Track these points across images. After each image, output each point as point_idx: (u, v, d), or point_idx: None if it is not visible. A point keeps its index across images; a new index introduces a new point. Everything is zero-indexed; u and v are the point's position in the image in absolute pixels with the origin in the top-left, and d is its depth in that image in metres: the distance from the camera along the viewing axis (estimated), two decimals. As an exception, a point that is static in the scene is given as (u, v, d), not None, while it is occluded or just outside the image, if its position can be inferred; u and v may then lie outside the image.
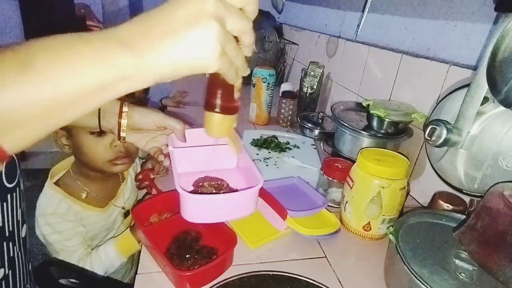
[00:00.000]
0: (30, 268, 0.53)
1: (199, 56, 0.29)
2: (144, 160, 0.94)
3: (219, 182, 0.56)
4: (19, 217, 0.48)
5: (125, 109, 0.55)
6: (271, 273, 0.50)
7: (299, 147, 1.01)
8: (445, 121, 0.58)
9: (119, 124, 0.55)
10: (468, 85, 0.56)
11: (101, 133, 0.69)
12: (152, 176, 0.75)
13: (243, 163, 0.59)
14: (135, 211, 0.60)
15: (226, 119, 0.41)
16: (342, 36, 1.24)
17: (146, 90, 1.20)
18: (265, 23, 1.77)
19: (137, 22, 0.29)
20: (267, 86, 1.14)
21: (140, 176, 0.74)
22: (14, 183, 0.46)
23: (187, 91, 1.40)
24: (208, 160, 0.58)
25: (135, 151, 0.79)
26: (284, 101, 1.17)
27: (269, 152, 0.96)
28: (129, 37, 0.27)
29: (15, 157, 0.46)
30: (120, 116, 0.55)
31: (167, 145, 0.59)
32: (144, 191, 0.79)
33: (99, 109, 0.55)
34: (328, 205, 0.72)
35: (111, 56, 0.26)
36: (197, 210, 0.48)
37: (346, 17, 1.25)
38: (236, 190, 0.54)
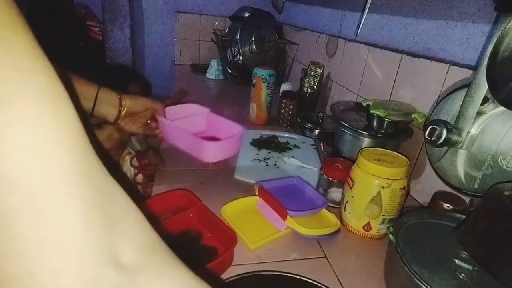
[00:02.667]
0: None
1: None
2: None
3: None
4: None
5: (123, 102, 0.68)
6: (271, 273, 0.50)
7: (299, 147, 1.01)
8: (445, 121, 0.58)
9: (119, 112, 0.68)
10: (468, 85, 0.56)
11: (99, 125, 0.80)
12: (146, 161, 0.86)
13: (212, 122, 0.86)
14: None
15: None
16: (342, 36, 1.24)
17: (146, 90, 1.22)
18: (265, 23, 1.77)
19: None
20: (267, 86, 1.14)
21: (137, 164, 0.84)
22: None
23: (187, 91, 1.40)
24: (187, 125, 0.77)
25: (127, 140, 0.90)
26: (284, 101, 1.17)
27: (269, 152, 0.95)
28: None
29: None
30: (120, 105, 0.68)
31: (147, 122, 0.76)
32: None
33: (95, 97, 0.64)
34: (328, 205, 0.72)
35: None
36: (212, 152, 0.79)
37: (346, 17, 1.25)
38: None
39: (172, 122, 0.71)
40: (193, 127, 0.75)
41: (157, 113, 0.75)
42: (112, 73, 1.16)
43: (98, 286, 0.19)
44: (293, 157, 0.92)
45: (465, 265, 0.48)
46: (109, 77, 1.10)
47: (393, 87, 0.91)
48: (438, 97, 0.73)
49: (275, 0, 1.93)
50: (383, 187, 0.59)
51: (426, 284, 0.43)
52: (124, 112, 0.68)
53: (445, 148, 0.61)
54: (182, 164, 0.83)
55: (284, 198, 0.65)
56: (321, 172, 0.74)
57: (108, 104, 0.66)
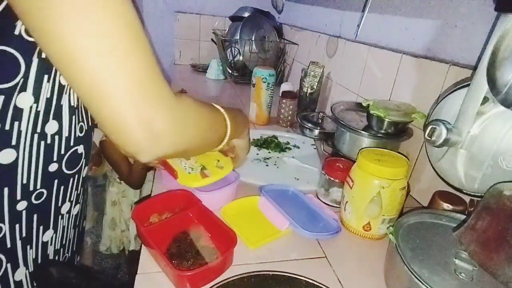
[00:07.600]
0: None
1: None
2: None
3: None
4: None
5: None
6: (271, 273, 0.50)
7: (299, 147, 1.01)
8: (445, 121, 0.58)
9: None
10: (468, 85, 0.56)
11: None
12: None
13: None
14: (135, 211, 0.60)
15: None
16: (342, 36, 1.24)
17: None
18: (265, 23, 1.77)
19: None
20: (267, 86, 1.14)
21: None
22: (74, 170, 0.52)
23: (184, 89, 1.42)
24: None
25: None
26: (284, 101, 1.17)
27: (269, 152, 0.95)
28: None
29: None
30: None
31: None
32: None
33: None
34: (328, 205, 0.72)
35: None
36: None
37: (346, 17, 1.25)
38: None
39: None
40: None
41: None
42: None
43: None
44: (293, 157, 0.92)
45: (465, 265, 0.48)
46: None
47: (393, 87, 0.91)
48: (438, 97, 0.73)
49: (275, 0, 1.93)
50: (383, 187, 0.59)
51: (426, 284, 0.43)
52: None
53: (445, 148, 0.61)
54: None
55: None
56: (323, 172, 0.74)
57: None
